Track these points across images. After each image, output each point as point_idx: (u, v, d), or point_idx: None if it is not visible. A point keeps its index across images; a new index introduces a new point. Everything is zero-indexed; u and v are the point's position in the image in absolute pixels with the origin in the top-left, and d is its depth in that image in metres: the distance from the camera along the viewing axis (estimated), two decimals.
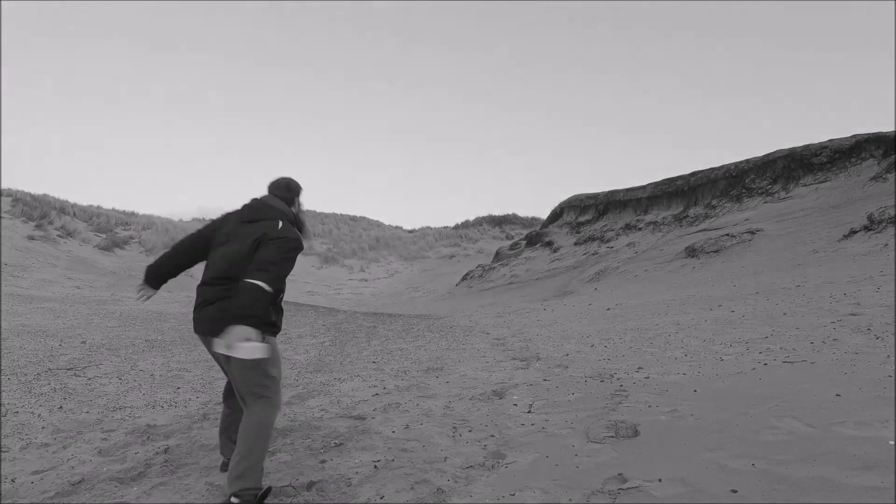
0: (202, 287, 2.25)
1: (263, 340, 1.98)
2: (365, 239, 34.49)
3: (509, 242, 27.90)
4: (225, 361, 2.19)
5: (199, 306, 2.22)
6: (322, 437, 2.96)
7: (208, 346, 2.24)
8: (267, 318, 2.03)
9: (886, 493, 1.71)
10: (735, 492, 1.86)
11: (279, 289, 2.11)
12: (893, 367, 3.11)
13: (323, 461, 2.57)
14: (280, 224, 2.20)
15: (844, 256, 9.24)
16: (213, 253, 2.31)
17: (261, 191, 2.47)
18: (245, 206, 2.36)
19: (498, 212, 39.15)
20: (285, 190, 2.43)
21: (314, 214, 37.91)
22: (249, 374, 2.09)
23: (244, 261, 2.11)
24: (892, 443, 2.06)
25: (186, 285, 16.22)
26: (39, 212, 21.15)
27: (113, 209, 28.01)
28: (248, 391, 2.12)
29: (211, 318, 2.13)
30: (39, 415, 3.36)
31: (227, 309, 2.01)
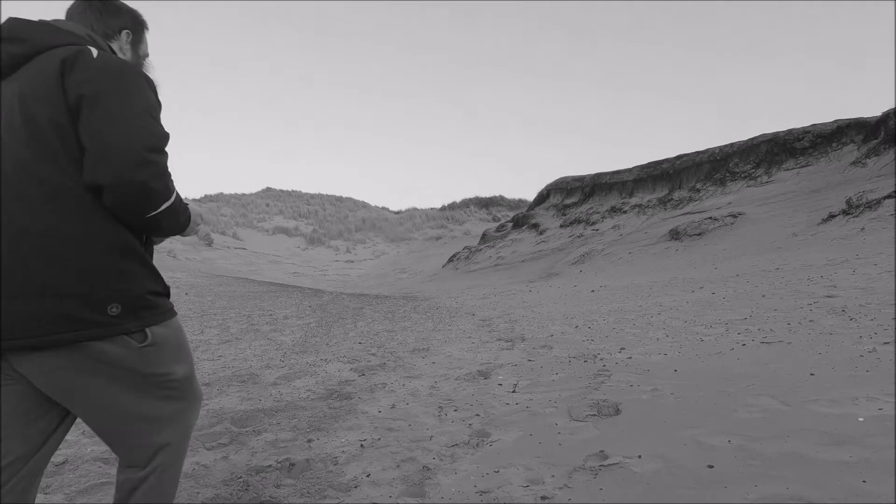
0: None
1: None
2: (351, 220, 34.28)
3: (496, 224, 27.96)
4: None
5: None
6: (308, 416, 2.97)
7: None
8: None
9: (856, 467, 1.78)
10: (711, 467, 1.92)
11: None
12: (865, 348, 3.21)
13: (309, 440, 2.59)
14: (93, 51, 1.11)
15: (823, 240, 9.44)
16: None
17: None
18: None
19: (485, 194, 39.20)
20: (90, 8, 1.28)
21: (299, 195, 37.45)
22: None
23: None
24: (861, 419, 2.14)
25: (168, 266, 16.05)
26: None
27: None
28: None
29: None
30: None
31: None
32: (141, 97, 1.11)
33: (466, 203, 38.03)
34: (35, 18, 1.18)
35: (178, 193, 1.16)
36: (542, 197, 24.98)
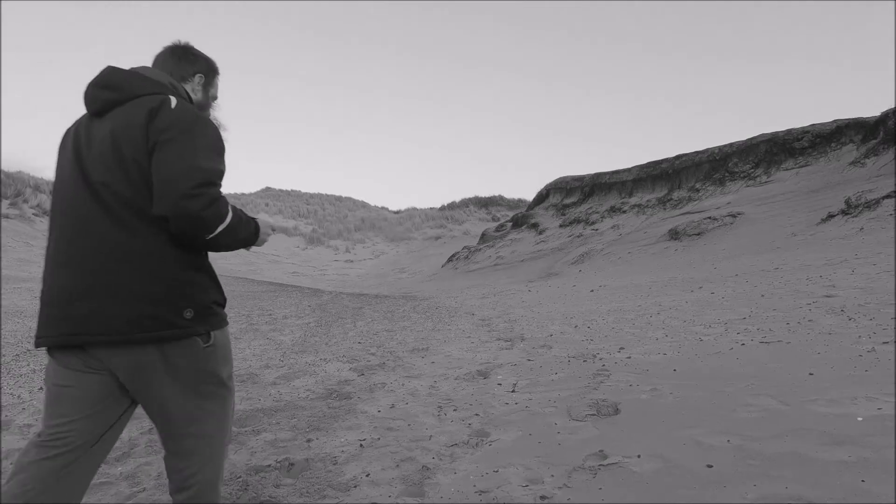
0: None
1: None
2: (350, 220, 34.29)
3: (495, 224, 27.96)
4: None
5: None
6: (307, 416, 2.97)
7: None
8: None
9: (855, 466, 1.78)
10: (710, 467, 1.92)
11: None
12: (864, 348, 3.21)
13: (309, 440, 2.59)
14: (172, 101, 1.30)
15: (822, 240, 9.45)
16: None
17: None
18: (90, 86, 1.36)
19: (484, 193, 39.27)
20: (172, 58, 1.50)
21: (299, 195, 37.44)
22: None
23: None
24: (860, 419, 2.15)
25: None
26: (14, 190, 20.54)
27: None
28: None
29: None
30: (19, 396, 3.31)
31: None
32: (203, 139, 1.28)
33: (466, 203, 38.05)
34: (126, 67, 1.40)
35: (235, 215, 1.31)
36: (542, 197, 24.99)
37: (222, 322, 1.40)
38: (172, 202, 1.20)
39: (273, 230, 1.55)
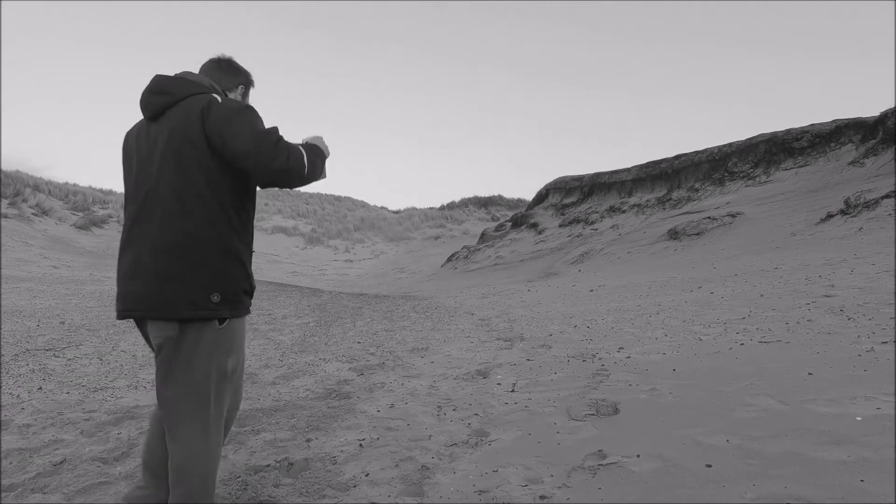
0: None
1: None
2: (350, 219, 34.27)
3: (495, 224, 27.96)
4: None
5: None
6: (307, 416, 2.97)
7: None
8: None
9: (854, 466, 1.78)
10: (710, 466, 1.92)
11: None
12: (864, 347, 3.22)
13: (308, 440, 2.59)
14: (218, 98, 1.52)
15: (821, 240, 9.46)
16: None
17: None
18: (145, 93, 1.55)
19: (484, 193, 39.22)
20: (218, 68, 1.72)
21: (298, 194, 37.43)
22: None
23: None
24: (860, 419, 2.15)
25: None
26: (12, 189, 20.53)
27: (90, 187, 27.34)
28: None
29: None
30: (18, 396, 3.31)
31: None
32: (253, 115, 1.48)
33: (465, 202, 38.02)
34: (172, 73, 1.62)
35: (307, 151, 1.51)
36: (541, 196, 24.98)
37: (243, 311, 1.56)
38: (263, 172, 1.43)
39: (322, 143, 1.69)
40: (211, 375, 1.50)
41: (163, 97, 1.51)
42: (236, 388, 1.69)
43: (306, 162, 1.49)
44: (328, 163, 1.67)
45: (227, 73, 1.72)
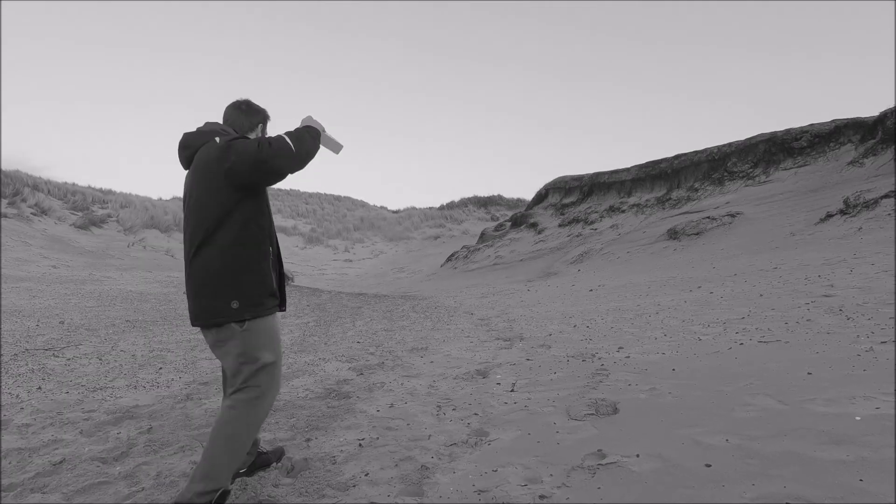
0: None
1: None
2: (349, 219, 34.25)
3: (494, 224, 27.95)
4: None
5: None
6: (306, 416, 2.97)
7: None
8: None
9: (853, 466, 1.78)
10: (709, 466, 1.92)
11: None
12: (863, 347, 3.22)
13: (308, 440, 2.59)
14: (217, 139, 1.85)
15: (820, 239, 9.46)
16: None
17: None
18: (179, 149, 1.96)
19: (483, 193, 39.20)
20: (237, 112, 2.04)
21: (298, 194, 37.42)
22: None
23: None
24: (859, 418, 2.15)
25: (166, 265, 15.97)
26: (11, 189, 20.50)
27: (89, 186, 27.29)
28: None
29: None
30: (17, 395, 3.31)
31: None
32: (243, 141, 1.81)
33: (465, 202, 38.01)
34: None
35: (291, 137, 1.81)
36: (541, 196, 24.97)
37: (265, 312, 1.86)
38: (262, 171, 1.76)
39: (311, 121, 2.01)
40: (245, 364, 1.84)
41: (187, 151, 1.91)
42: (275, 375, 1.95)
43: (290, 141, 1.79)
44: (343, 141, 2.03)
45: (246, 114, 2.02)
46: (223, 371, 1.99)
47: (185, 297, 9.92)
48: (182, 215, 2.26)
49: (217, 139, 1.82)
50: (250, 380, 1.85)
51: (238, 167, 1.74)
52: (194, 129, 1.94)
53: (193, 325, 1.89)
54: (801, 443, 2.01)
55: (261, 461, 2.18)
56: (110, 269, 12.79)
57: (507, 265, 18.44)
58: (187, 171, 1.93)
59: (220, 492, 1.77)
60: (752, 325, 4.36)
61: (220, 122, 2.04)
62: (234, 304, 1.78)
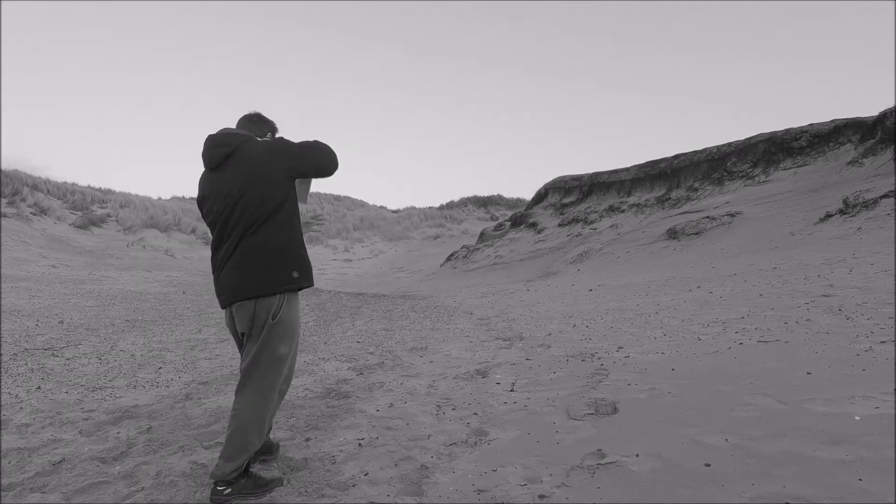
0: None
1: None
2: (349, 219, 34.24)
3: (494, 223, 27.94)
4: None
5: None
6: (306, 416, 2.97)
7: None
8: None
9: (853, 465, 1.78)
10: (709, 465, 1.92)
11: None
12: (862, 347, 3.22)
13: (307, 439, 2.59)
14: (258, 139, 2.10)
15: (820, 239, 9.47)
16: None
17: None
18: (204, 151, 2.09)
19: (483, 192, 39.16)
20: (250, 123, 2.26)
21: None
22: None
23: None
24: (858, 418, 2.15)
25: (165, 265, 15.96)
26: (11, 188, 20.48)
27: (88, 186, 27.26)
28: None
29: None
30: (17, 395, 3.31)
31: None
32: (288, 142, 2.08)
33: (465, 202, 38.00)
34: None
35: (318, 141, 2.10)
36: (540, 196, 24.96)
37: (310, 283, 2.11)
38: (322, 168, 2.09)
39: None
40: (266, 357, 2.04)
41: (222, 149, 2.04)
42: (289, 367, 2.16)
43: (324, 146, 2.09)
44: (313, 189, 2.39)
45: (258, 125, 2.25)
46: (239, 336, 2.13)
47: (184, 296, 9.99)
48: (194, 213, 2.55)
49: (258, 139, 2.09)
50: (272, 337, 2.03)
51: (307, 160, 2.03)
52: (219, 132, 2.11)
53: (234, 302, 2.00)
54: (801, 442, 2.01)
55: (264, 448, 2.29)
56: (110, 268, 12.78)
57: (507, 265, 18.44)
58: (211, 169, 2.08)
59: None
60: (751, 324, 4.36)
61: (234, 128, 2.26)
62: (295, 274, 2.01)
